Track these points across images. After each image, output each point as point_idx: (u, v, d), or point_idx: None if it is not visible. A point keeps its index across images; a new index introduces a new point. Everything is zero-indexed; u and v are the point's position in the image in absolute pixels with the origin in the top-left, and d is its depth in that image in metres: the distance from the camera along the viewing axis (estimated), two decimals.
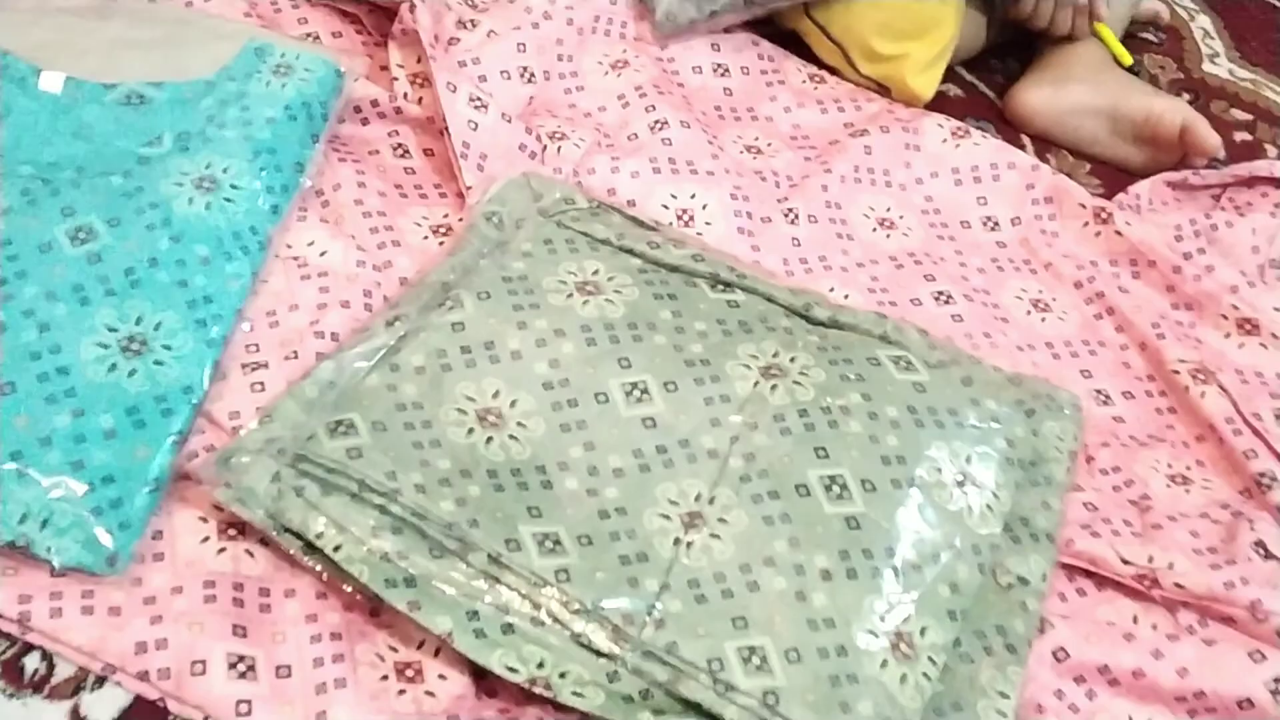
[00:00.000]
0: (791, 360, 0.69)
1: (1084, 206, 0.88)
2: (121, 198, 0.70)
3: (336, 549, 0.58)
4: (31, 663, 0.56)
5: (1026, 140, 0.97)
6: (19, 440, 0.60)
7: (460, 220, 0.78)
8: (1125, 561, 0.66)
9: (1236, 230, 0.88)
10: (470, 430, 0.63)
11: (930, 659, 0.58)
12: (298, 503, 0.59)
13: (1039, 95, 0.96)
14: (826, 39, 0.94)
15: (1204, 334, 0.83)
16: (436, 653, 0.58)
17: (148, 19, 0.81)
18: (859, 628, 0.57)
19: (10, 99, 0.74)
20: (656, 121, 0.86)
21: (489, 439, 0.63)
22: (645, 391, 0.66)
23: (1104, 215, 0.88)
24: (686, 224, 0.81)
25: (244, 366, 0.67)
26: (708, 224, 0.81)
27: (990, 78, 1.03)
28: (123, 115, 0.75)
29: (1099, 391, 0.79)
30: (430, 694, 0.57)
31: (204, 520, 0.61)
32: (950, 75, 0.99)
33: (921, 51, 0.92)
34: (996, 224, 0.88)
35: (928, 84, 0.93)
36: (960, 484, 0.64)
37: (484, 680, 0.58)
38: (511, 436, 0.64)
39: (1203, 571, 0.66)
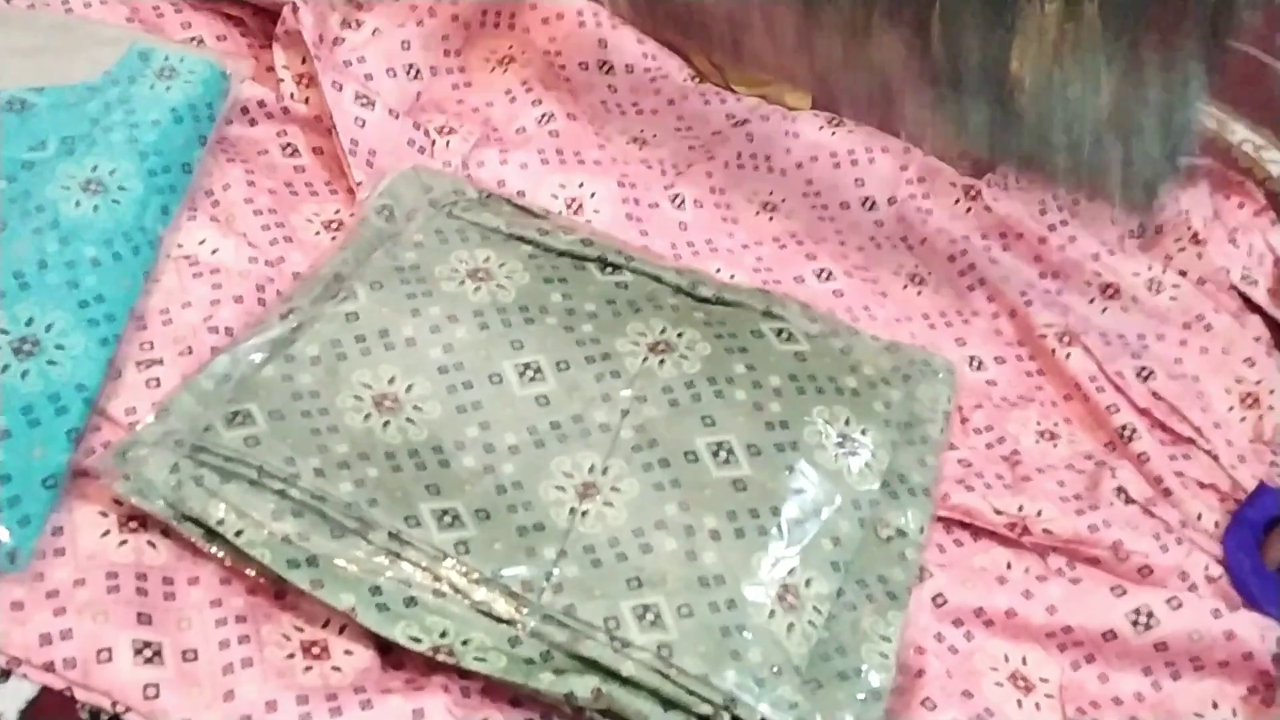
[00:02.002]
0: (679, 336, 0.71)
1: (954, 185, 0.93)
2: (7, 202, 0.70)
3: (238, 534, 0.59)
4: None
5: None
6: None
7: (351, 215, 0.79)
8: (997, 512, 0.70)
9: (1097, 203, 0.93)
10: (367, 415, 0.65)
11: (815, 608, 0.61)
12: (197, 491, 0.60)
13: None
14: (707, 60, 0.97)
15: (1070, 300, 0.87)
16: (341, 630, 0.60)
17: (25, 25, 0.81)
18: (746, 582, 0.60)
19: None
20: (544, 115, 0.88)
21: (386, 423, 0.65)
22: (538, 371, 0.68)
23: (974, 192, 0.92)
24: (576, 212, 0.83)
25: (139, 364, 0.68)
26: (596, 211, 0.84)
27: None
28: (4, 122, 0.75)
29: (973, 358, 0.83)
30: (336, 669, 0.58)
31: (104, 515, 0.61)
32: None
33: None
34: (874, 204, 0.92)
35: (803, 102, 0.97)
36: (840, 445, 0.67)
37: (389, 654, 0.59)
38: (408, 420, 0.65)
39: (1069, 517, 0.70)
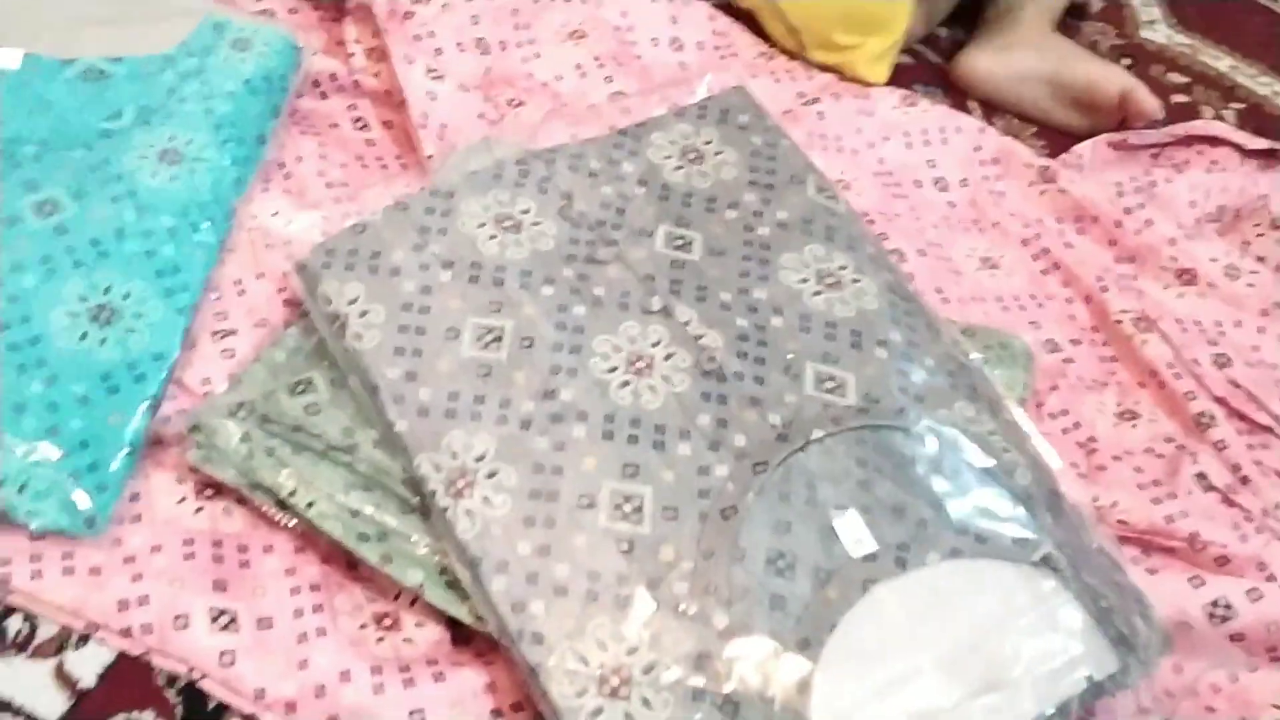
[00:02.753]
0: None
1: (1029, 166, 0.91)
2: (85, 171, 0.71)
3: (309, 505, 0.60)
4: (13, 624, 0.57)
5: (973, 104, 1.00)
6: None
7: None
8: None
9: (1174, 186, 0.91)
10: None
11: None
12: (268, 462, 0.61)
13: (984, 61, 0.99)
14: (780, 22, 0.96)
15: (1145, 285, 0.86)
16: (412, 603, 0.60)
17: None
18: None
19: None
20: (617, 92, 0.88)
21: None
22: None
23: (1048, 174, 0.90)
24: None
25: (214, 334, 0.68)
26: None
27: (937, 45, 1.06)
28: (82, 90, 0.75)
29: (1047, 340, 0.81)
30: (408, 641, 0.59)
31: (180, 482, 0.62)
32: None
33: (877, 44, 0.94)
34: (946, 185, 0.91)
35: (879, 73, 0.95)
36: None
37: (460, 627, 0.59)
38: None
39: (1145, 508, 0.69)
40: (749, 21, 0.99)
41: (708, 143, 0.75)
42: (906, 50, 1.04)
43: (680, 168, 0.74)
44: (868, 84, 0.95)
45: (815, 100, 0.92)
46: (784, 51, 0.98)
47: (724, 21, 0.98)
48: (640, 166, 0.74)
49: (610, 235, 0.70)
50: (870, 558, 0.56)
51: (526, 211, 0.71)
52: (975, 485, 0.60)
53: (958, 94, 1.00)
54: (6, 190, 0.69)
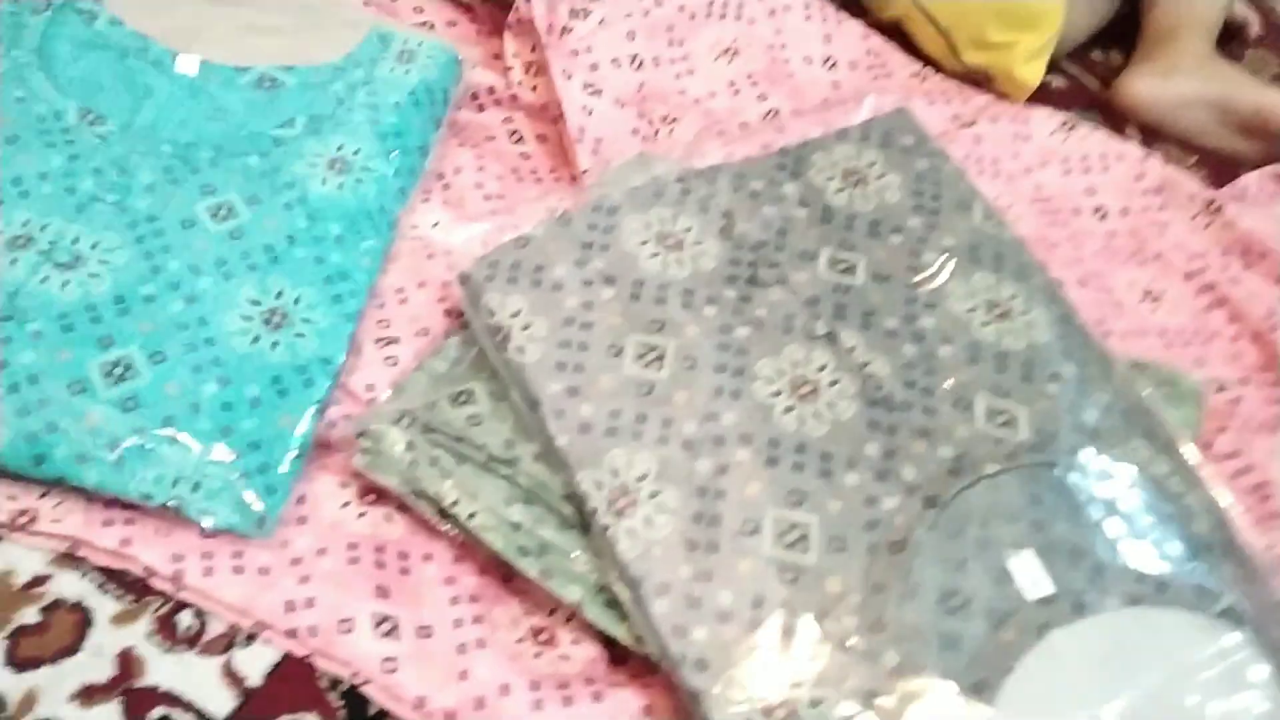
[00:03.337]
0: None
1: (1193, 197, 0.88)
2: (259, 177, 0.72)
3: (471, 516, 0.60)
4: (185, 620, 0.58)
5: (1131, 130, 0.97)
6: (172, 407, 0.62)
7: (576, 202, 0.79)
8: None
9: None
10: None
11: None
12: (432, 471, 0.61)
13: (1147, 86, 0.96)
14: (930, 26, 0.95)
15: None
16: (569, 620, 0.60)
17: (276, 7, 0.84)
18: None
19: (151, 80, 0.77)
20: (770, 110, 0.87)
21: None
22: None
23: (1214, 206, 0.87)
24: None
25: (377, 341, 0.69)
26: None
27: (1093, 68, 1.03)
28: (255, 98, 0.77)
29: (1213, 379, 0.78)
30: (565, 658, 0.58)
31: (344, 486, 0.63)
32: (1052, 66, 0.99)
33: (1031, 41, 0.92)
34: (1106, 213, 0.88)
35: (1034, 73, 0.93)
36: None
37: (616, 646, 0.59)
38: None
39: None
40: (899, 38, 0.98)
41: (870, 165, 0.74)
42: (1062, 74, 1.01)
43: (842, 190, 0.73)
44: (1022, 89, 0.93)
45: (971, 123, 0.90)
46: (933, 63, 0.96)
47: (877, 41, 0.96)
48: (802, 188, 0.73)
49: (772, 257, 0.69)
50: (1047, 600, 0.55)
51: (688, 230, 0.71)
52: (1153, 530, 0.58)
53: (1116, 119, 0.97)
54: (184, 193, 0.71)
